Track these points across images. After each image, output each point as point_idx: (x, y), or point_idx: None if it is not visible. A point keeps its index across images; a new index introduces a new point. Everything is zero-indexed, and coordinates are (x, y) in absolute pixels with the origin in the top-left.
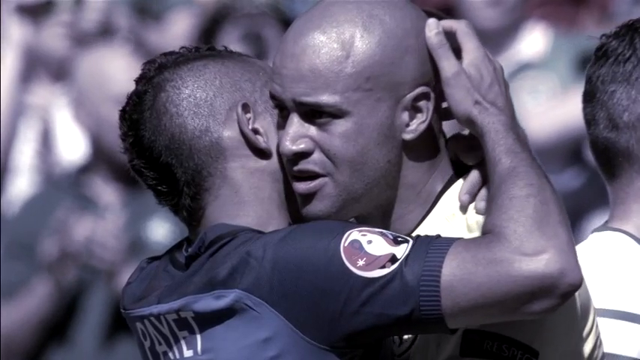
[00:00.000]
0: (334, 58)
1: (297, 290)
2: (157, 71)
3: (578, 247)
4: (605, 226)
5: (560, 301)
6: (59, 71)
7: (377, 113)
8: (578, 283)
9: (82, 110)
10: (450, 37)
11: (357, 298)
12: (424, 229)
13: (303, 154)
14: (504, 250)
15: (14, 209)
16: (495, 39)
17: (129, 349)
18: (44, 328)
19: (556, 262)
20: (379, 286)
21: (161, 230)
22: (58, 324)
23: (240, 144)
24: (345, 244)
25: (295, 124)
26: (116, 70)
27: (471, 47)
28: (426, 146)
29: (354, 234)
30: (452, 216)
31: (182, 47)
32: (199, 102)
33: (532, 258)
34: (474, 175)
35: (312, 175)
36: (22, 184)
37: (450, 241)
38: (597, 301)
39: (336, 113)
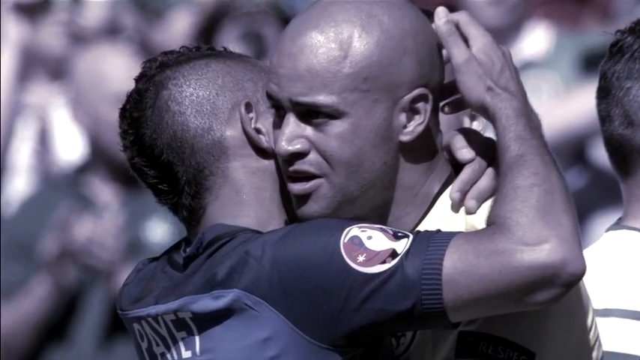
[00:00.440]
0: (332, 58)
1: (297, 288)
2: (159, 69)
3: (593, 247)
4: (619, 225)
5: (563, 290)
6: (57, 70)
7: (374, 114)
8: (581, 273)
9: (79, 109)
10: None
11: (357, 294)
12: None
13: (299, 155)
14: (506, 241)
15: (12, 209)
16: (497, 38)
17: (128, 349)
18: (43, 328)
19: (558, 251)
20: (380, 281)
21: (160, 230)
22: (57, 324)
23: (242, 143)
24: (345, 241)
25: (291, 124)
26: (114, 69)
27: (477, 35)
28: (423, 148)
29: (353, 230)
30: (449, 218)
31: (182, 46)
32: (202, 100)
33: (534, 248)
34: (466, 173)
35: (307, 176)
36: (20, 183)
37: (451, 234)
38: (613, 302)
39: (333, 114)
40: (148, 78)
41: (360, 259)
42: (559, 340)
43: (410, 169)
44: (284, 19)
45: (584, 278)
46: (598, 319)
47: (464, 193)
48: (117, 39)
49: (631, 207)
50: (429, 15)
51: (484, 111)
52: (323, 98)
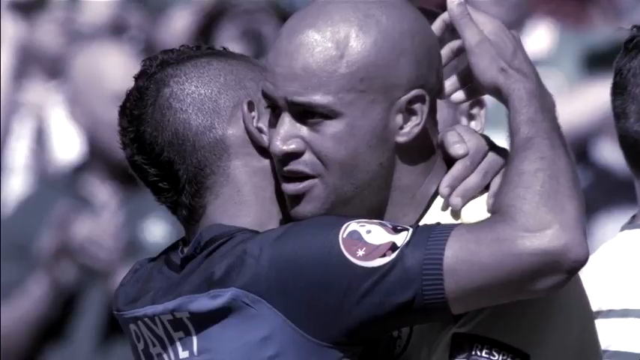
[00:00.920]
0: (328, 57)
1: (296, 285)
2: (159, 67)
3: (608, 245)
4: (634, 224)
5: (565, 277)
6: (54, 69)
7: (370, 115)
8: (584, 259)
9: (77, 108)
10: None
11: (358, 288)
12: None
13: (294, 155)
14: (508, 229)
15: (9, 209)
16: None
17: (125, 349)
18: (41, 328)
19: (560, 237)
20: (380, 274)
21: (157, 229)
22: (55, 324)
23: (244, 142)
24: (344, 236)
25: (287, 123)
26: (111, 68)
27: (485, 20)
28: (420, 149)
29: (352, 225)
30: (446, 220)
31: (182, 45)
32: (204, 98)
33: (535, 234)
34: (457, 168)
35: (301, 176)
36: (17, 183)
37: (453, 226)
38: (632, 302)
39: (329, 114)
40: (149, 76)
41: (360, 253)
42: (555, 341)
43: (406, 170)
44: (283, 17)
45: (599, 278)
46: (616, 320)
47: (453, 189)
48: (114, 37)
49: None
50: (429, 14)
51: (497, 92)
52: (319, 98)
